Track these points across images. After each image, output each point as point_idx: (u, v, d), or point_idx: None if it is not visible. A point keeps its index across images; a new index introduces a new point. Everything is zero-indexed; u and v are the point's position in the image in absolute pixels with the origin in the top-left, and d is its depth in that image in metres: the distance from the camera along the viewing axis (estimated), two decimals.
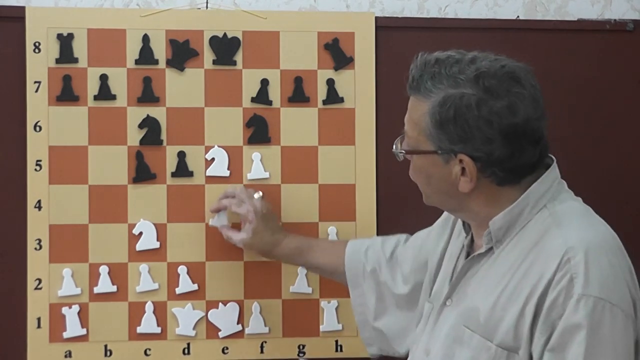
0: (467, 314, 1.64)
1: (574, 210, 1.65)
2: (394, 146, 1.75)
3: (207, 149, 2.49)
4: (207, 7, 2.54)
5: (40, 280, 2.42)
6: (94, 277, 2.44)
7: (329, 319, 2.50)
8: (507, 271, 1.60)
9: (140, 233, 2.45)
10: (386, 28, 2.57)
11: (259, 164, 2.50)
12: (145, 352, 2.45)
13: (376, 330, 2.10)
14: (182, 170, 2.48)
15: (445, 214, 1.95)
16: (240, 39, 2.51)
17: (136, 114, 2.47)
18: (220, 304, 2.47)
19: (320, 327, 2.50)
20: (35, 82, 2.44)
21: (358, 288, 2.13)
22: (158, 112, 2.48)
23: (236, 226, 2.42)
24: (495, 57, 1.65)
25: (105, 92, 2.46)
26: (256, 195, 2.35)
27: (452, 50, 1.67)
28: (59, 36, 2.45)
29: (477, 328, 1.60)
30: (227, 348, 2.47)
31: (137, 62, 2.48)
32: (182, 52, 2.49)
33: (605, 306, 1.49)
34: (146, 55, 2.48)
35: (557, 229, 1.59)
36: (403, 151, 1.71)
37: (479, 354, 1.59)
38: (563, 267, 1.52)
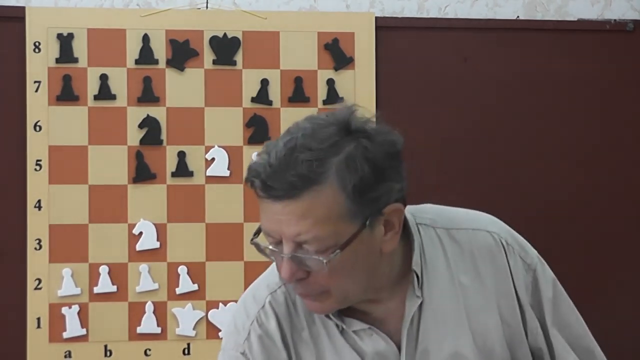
0: None
1: (440, 210, 1.52)
2: (293, 266, 1.34)
3: (207, 148, 2.49)
4: (207, 7, 2.54)
5: (40, 280, 2.42)
6: (94, 277, 2.44)
7: None
8: (454, 299, 1.46)
9: (141, 233, 2.45)
10: (386, 28, 2.57)
11: None
12: (145, 352, 2.45)
13: None
14: (182, 170, 2.48)
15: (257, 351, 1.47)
16: (240, 39, 2.51)
17: (136, 114, 2.47)
18: (220, 304, 2.47)
19: None
20: (35, 82, 2.44)
21: None
22: (158, 112, 2.48)
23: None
24: (315, 118, 1.40)
25: (105, 92, 2.46)
26: None
27: (269, 142, 1.37)
28: (59, 36, 2.45)
29: None
30: None
31: (137, 62, 2.48)
32: (182, 52, 2.49)
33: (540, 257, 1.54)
34: (146, 55, 2.48)
35: (462, 230, 1.49)
36: (335, 253, 1.32)
37: None
38: (509, 252, 1.48)
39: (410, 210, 1.48)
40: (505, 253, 1.48)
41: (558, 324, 1.50)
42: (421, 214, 1.50)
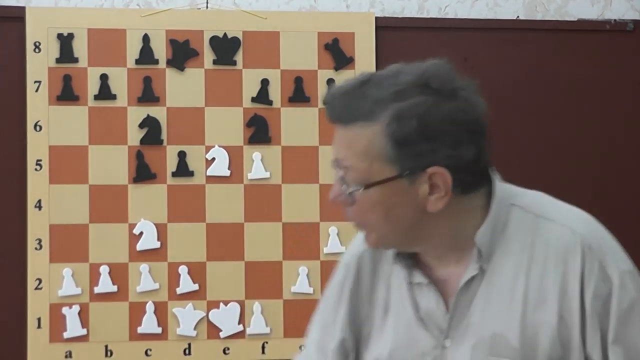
0: (490, 343, 1.48)
1: (543, 199, 1.53)
2: (339, 188, 1.44)
3: (208, 148, 2.49)
4: (207, 7, 2.54)
5: (40, 280, 2.42)
6: (94, 277, 2.44)
7: None
8: (514, 283, 1.48)
9: (141, 233, 2.45)
10: (386, 28, 2.57)
11: (259, 164, 2.50)
12: (146, 352, 2.45)
13: None
14: (183, 170, 2.47)
15: (331, 293, 1.63)
16: (240, 39, 2.51)
17: (136, 114, 2.47)
18: (221, 304, 2.47)
19: None
20: (36, 81, 2.44)
21: None
22: (158, 112, 2.48)
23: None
24: (409, 64, 1.46)
25: (105, 92, 2.46)
26: None
27: (365, 73, 1.52)
28: (59, 36, 2.45)
29: (513, 353, 1.46)
30: (228, 348, 2.47)
31: (137, 62, 2.48)
32: (182, 52, 2.49)
33: (636, 274, 1.44)
34: (146, 55, 2.48)
35: (550, 222, 1.48)
36: (357, 188, 1.42)
37: None
38: (587, 256, 1.44)
39: (514, 192, 1.51)
40: (583, 256, 1.45)
41: (623, 343, 1.44)
42: (522, 196, 1.51)
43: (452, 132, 1.43)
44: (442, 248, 1.50)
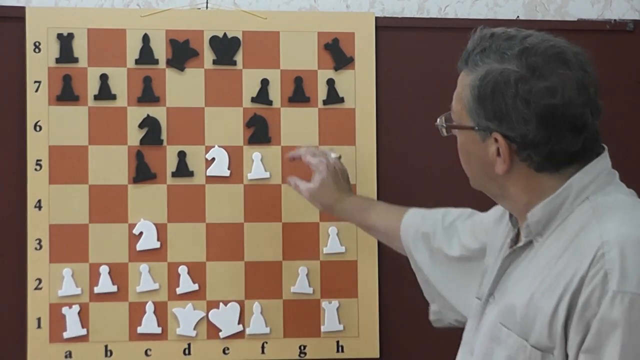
0: (505, 311, 1.56)
1: (617, 204, 1.54)
2: (438, 119, 1.67)
3: (208, 148, 2.49)
4: (207, 7, 2.54)
5: (40, 280, 2.42)
6: (94, 277, 2.44)
7: (330, 320, 2.50)
8: (544, 266, 1.53)
9: (141, 233, 2.45)
10: (386, 28, 2.57)
11: (259, 164, 2.50)
12: (145, 352, 2.45)
13: (435, 288, 2.05)
14: (183, 170, 2.48)
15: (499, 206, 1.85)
16: (240, 39, 2.51)
17: (136, 114, 2.47)
18: (221, 304, 2.47)
19: (321, 327, 2.50)
20: (35, 82, 2.44)
21: (410, 252, 2.09)
22: (158, 112, 2.48)
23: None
24: (550, 36, 1.57)
25: (105, 92, 2.46)
26: (332, 155, 2.34)
27: (514, 27, 1.61)
28: (59, 36, 2.45)
29: (514, 326, 1.53)
30: (227, 348, 2.47)
31: (137, 62, 2.48)
32: (182, 52, 2.49)
33: (636, 301, 1.40)
34: (146, 55, 2.48)
35: (597, 222, 1.50)
36: (445, 124, 1.66)
37: (517, 354, 1.52)
38: (597, 263, 1.44)
39: (604, 188, 1.57)
40: (593, 261, 1.45)
41: (593, 356, 1.44)
42: (604, 195, 1.56)
43: (521, 110, 1.50)
44: (516, 212, 1.64)
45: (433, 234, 2.04)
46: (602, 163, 1.59)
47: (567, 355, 1.46)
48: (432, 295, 2.08)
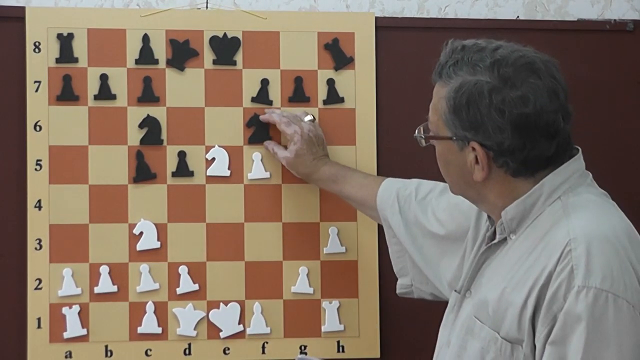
0: (479, 305, 1.65)
1: (587, 203, 1.63)
2: (416, 131, 1.76)
3: (208, 148, 2.49)
4: (207, 7, 2.54)
5: (40, 280, 2.42)
6: (94, 277, 2.43)
7: (330, 320, 2.49)
8: (516, 262, 1.61)
9: (141, 233, 2.45)
10: (386, 28, 2.57)
11: (259, 164, 2.50)
12: (146, 352, 2.45)
13: (410, 259, 2.14)
14: (183, 170, 2.47)
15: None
16: (240, 39, 2.51)
17: (136, 114, 2.47)
18: (221, 304, 2.47)
19: (322, 327, 2.50)
20: (35, 82, 2.44)
21: (387, 221, 2.17)
22: (158, 112, 2.48)
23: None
24: (519, 47, 1.65)
25: (105, 92, 2.46)
26: (306, 118, 2.38)
27: (482, 39, 1.66)
28: (59, 36, 2.45)
29: (487, 319, 1.61)
30: (228, 348, 2.47)
31: (137, 62, 2.47)
32: (182, 52, 2.49)
33: (608, 298, 1.46)
34: (146, 55, 2.48)
35: (566, 220, 1.58)
36: (423, 136, 1.74)
37: (489, 346, 1.59)
38: (564, 259, 1.51)
39: (575, 189, 1.65)
40: (561, 256, 1.53)
41: (557, 348, 1.50)
42: (575, 195, 1.64)
43: (496, 120, 1.58)
44: (493, 214, 1.71)
45: (408, 205, 2.12)
46: (575, 165, 1.68)
47: (535, 347, 1.52)
48: (406, 267, 2.17)
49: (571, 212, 1.59)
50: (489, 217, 1.78)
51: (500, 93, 1.58)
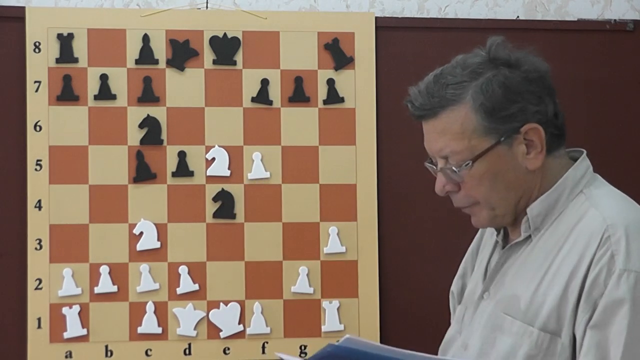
0: (507, 301, 1.63)
1: (611, 193, 1.64)
2: (443, 179, 1.60)
3: (208, 148, 2.49)
4: (207, 7, 2.54)
5: (40, 280, 2.42)
6: (94, 277, 2.44)
7: (330, 320, 2.49)
8: (546, 257, 1.60)
9: (141, 233, 2.45)
10: (386, 28, 2.57)
11: (259, 164, 2.50)
12: (146, 352, 2.45)
13: None
14: (183, 170, 2.47)
15: (475, 241, 1.88)
16: (240, 39, 2.51)
17: (136, 114, 2.47)
18: (221, 304, 2.47)
19: (322, 327, 2.50)
20: (35, 82, 2.44)
21: None
22: (158, 112, 2.48)
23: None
24: (470, 53, 1.64)
25: (105, 92, 2.46)
26: None
27: (430, 74, 1.63)
28: (59, 36, 2.45)
29: (518, 314, 1.59)
30: (228, 348, 2.47)
31: (137, 62, 2.48)
32: (182, 52, 2.49)
33: None
34: (146, 55, 2.48)
35: (596, 209, 1.58)
36: (461, 168, 1.56)
37: (521, 340, 1.57)
38: (604, 245, 1.52)
39: (594, 181, 1.64)
40: (600, 243, 1.53)
41: (599, 331, 1.50)
42: (596, 187, 1.63)
43: (533, 90, 1.58)
44: (513, 217, 1.64)
45: None
46: (586, 162, 1.69)
47: (574, 337, 1.52)
48: None
49: (599, 202, 1.60)
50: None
51: (517, 68, 1.58)
